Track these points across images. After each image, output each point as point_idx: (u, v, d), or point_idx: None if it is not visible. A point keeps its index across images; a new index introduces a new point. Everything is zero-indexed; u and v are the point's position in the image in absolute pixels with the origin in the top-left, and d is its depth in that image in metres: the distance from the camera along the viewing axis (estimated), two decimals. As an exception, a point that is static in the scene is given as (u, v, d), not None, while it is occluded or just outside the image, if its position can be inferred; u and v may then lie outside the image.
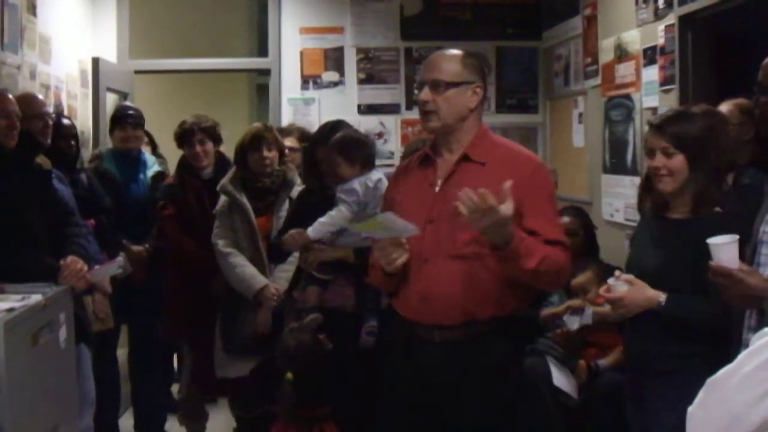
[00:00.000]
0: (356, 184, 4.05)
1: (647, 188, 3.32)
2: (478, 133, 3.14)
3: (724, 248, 2.71)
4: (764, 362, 1.71)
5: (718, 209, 3.15)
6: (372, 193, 4.04)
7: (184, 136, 5.00)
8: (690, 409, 1.80)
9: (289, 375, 4.24)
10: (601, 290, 3.22)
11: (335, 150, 4.10)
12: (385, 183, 3.93)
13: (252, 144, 4.58)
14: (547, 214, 3.08)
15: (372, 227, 3.01)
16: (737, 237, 2.71)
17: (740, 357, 1.76)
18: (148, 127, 6.48)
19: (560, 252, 3.02)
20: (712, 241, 2.73)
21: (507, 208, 2.76)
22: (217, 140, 5.09)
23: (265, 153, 4.58)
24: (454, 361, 3.01)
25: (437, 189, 3.07)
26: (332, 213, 4.04)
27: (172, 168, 6.32)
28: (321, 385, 4.14)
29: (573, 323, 4.66)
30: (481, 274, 2.98)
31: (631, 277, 3.12)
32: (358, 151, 4.10)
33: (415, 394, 3.06)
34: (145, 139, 6.23)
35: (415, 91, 3.26)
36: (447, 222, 2.94)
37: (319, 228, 4.05)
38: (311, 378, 4.13)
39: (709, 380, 1.77)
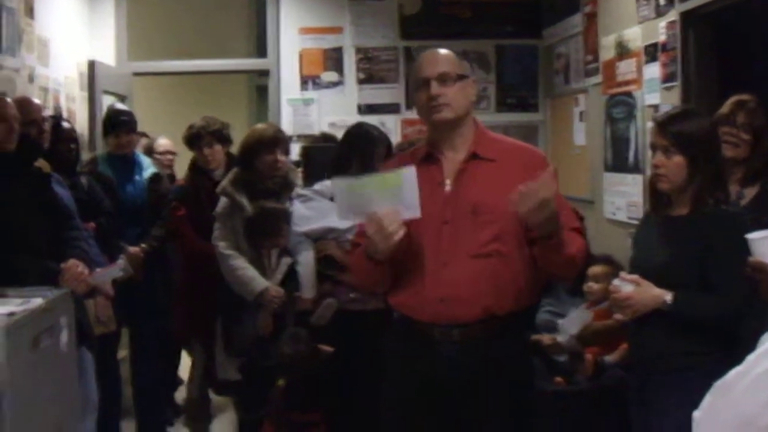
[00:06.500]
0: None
1: (653, 185, 3.31)
2: (478, 129, 3.13)
3: (762, 243, 2.69)
4: None
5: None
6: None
7: (193, 139, 5.08)
8: (696, 413, 1.77)
9: (281, 381, 4.25)
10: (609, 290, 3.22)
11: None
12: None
13: (267, 145, 4.58)
14: (562, 203, 3.07)
15: (377, 184, 2.84)
16: None
17: (750, 358, 1.73)
18: (147, 129, 6.50)
19: (582, 239, 3.08)
20: (751, 236, 2.71)
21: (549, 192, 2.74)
22: (225, 142, 5.13)
23: (279, 156, 4.59)
24: (474, 359, 2.98)
25: (448, 188, 3.02)
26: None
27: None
28: (313, 392, 4.14)
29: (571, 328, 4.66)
30: (502, 271, 2.96)
31: (636, 277, 3.10)
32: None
33: (432, 395, 3.02)
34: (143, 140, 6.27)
35: (416, 92, 3.15)
36: (464, 221, 2.91)
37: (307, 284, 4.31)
38: (303, 384, 4.13)
39: (717, 384, 1.75)
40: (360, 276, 3.25)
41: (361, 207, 2.85)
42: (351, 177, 2.98)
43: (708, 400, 1.76)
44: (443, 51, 3.14)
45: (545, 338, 4.63)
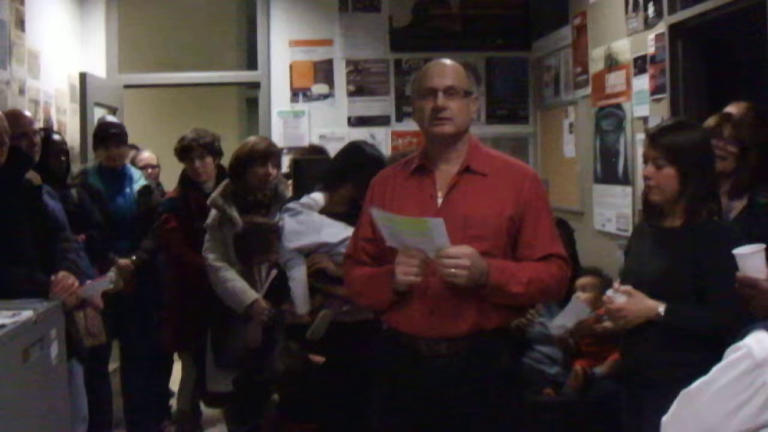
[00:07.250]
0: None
1: (645, 196, 3.32)
2: (472, 144, 3.12)
3: (750, 258, 2.70)
4: (739, 375, 1.70)
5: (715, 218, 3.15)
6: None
7: (184, 151, 5.08)
8: (664, 419, 1.79)
9: (275, 396, 4.25)
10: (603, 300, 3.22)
11: None
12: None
13: (259, 159, 4.56)
14: (545, 226, 3.07)
15: (407, 226, 2.87)
16: (764, 246, 2.69)
17: (714, 370, 1.75)
18: (138, 141, 6.48)
19: (555, 267, 3.02)
20: (738, 251, 2.72)
21: (466, 252, 2.83)
22: (216, 154, 5.13)
23: (270, 169, 4.59)
24: (462, 372, 2.97)
25: (440, 201, 3.02)
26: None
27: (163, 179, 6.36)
28: (307, 403, 4.14)
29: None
30: None
31: (629, 288, 3.11)
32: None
33: (420, 408, 3.00)
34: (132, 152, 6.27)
35: (418, 100, 3.13)
36: (454, 235, 2.84)
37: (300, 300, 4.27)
38: (298, 396, 4.13)
39: (684, 392, 1.77)
40: (365, 298, 3.25)
41: (397, 238, 2.91)
42: (384, 212, 2.97)
43: (674, 407, 1.79)
44: (452, 63, 3.11)
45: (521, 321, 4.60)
